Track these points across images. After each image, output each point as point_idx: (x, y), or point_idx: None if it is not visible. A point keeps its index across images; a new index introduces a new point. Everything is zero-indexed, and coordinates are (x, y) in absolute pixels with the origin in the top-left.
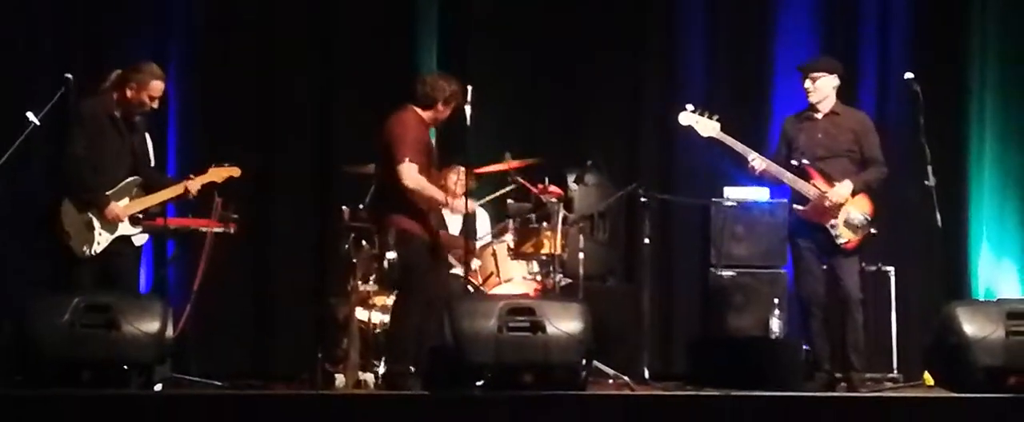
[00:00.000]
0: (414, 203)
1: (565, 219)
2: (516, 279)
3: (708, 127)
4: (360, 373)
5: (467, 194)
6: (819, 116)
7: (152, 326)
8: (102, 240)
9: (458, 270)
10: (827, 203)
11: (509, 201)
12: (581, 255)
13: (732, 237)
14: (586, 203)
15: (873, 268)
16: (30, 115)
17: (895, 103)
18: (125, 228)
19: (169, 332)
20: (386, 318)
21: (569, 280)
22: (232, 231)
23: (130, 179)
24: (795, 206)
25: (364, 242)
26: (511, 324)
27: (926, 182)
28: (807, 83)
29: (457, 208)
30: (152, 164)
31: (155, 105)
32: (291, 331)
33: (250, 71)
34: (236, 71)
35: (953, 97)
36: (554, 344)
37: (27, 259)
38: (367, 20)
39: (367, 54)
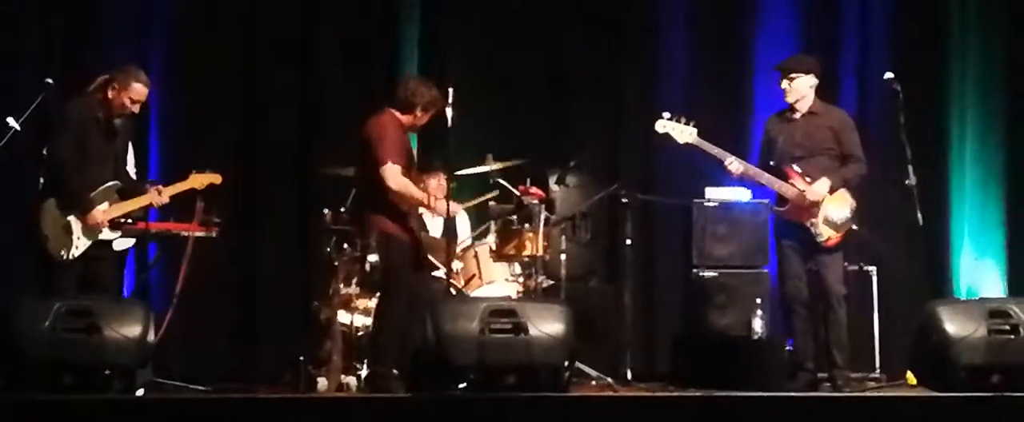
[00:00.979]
0: (395, 205)
1: (547, 220)
2: (498, 281)
3: (684, 133)
4: (343, 376)
5: (449, 196)
6: (798, 116)
7: (134, 330)
8: (80, 245)
9: (440, 272)
10: (805, 202)
11: (491, 203)
12: (563, 256)
13: (714, 237)
14: (568, 204)
15: (855, 268)
16: (11, 120)
17: (875, 103)
18: (105, 233)
19: (151, 336)
20: (369, 321)
21: (551, 281)
22: (214, 235)
23: (110, 183)
24: (775, 207)
25: (346, 245)
26: (493, 326)
27: (907, 181)
28: (784, 83)
29: (439, 210)
30: (132, 168)
31: (135, 109)
32: (273, 334)
33: (231, 75)
34: (217, 75)
35: (933, 96)
36: (537, 345)
37: (8, 265)
38: (349, 24)
39: (349, 57)
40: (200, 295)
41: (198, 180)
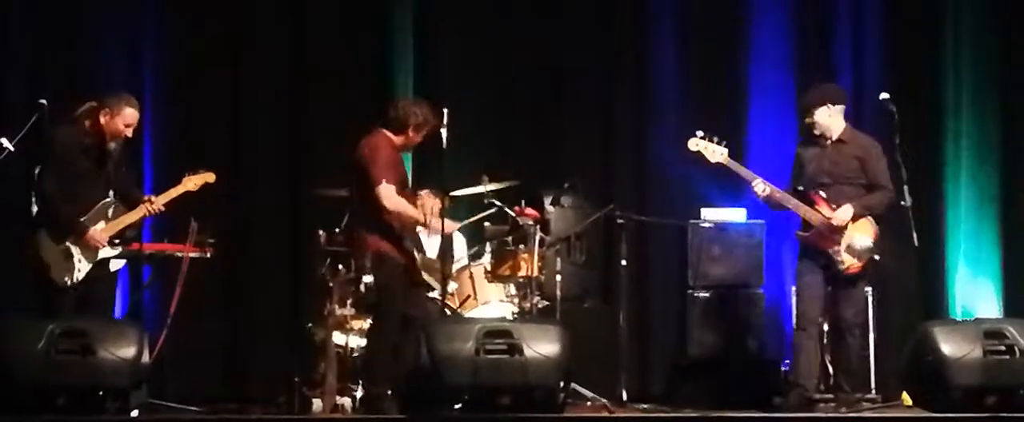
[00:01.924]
0: (390, 226)
1: (542, 241)
2: (493, 301)
3: (716, 153)
4: (337, 397)
5: (443, 216)
6: (828, 143)
7: (128, 351)
8: (82, 268)
9: (435, 293)
10: (829, 228)
11: (486, 224)
12: (558, 277)
13: (709, 258)
14: (563, 225)
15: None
16: (4, 141)
17: (871, 123)
18: (105, 252)
19: (145, 357)
20: (363, 342)
21: (546, 302)
22: (208, 256)
23: (105, 201)
24: (799, 232)
25: (340, 266)
26: (488, 346)
27: (903, 202)
28: (807, 120)
29: (435, 227)
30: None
31: (129, 133)
32: (268, 355)
33: (224, 96)
34: (210, 96)
35: (928, 117)
36: (531, 366)
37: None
38: (343, 44)
39: (343, 77)
40: (194, 316)
41: (192, 182)
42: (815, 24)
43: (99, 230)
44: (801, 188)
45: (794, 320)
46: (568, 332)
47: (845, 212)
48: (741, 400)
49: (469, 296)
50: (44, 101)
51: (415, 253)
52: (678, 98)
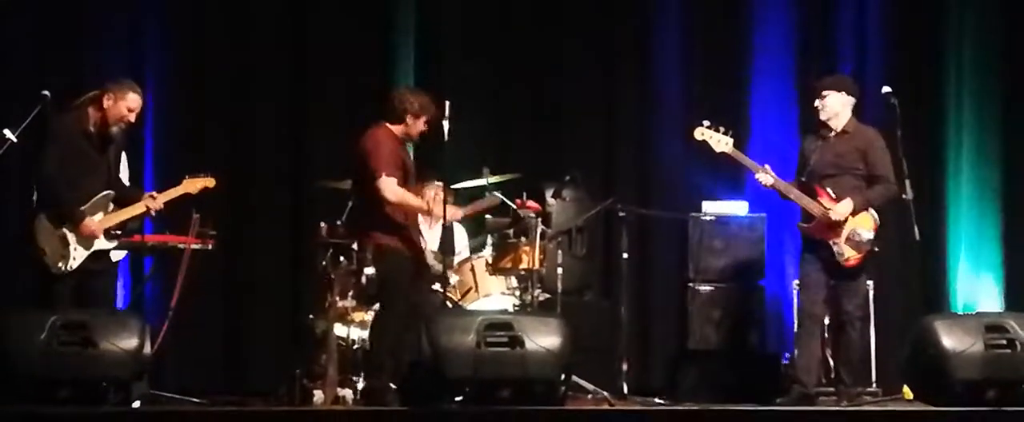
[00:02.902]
0: (392, 218)
1: (543, 234)
2: (495, 294)
3: (721, 142)
4: (339, 389)
5: (445, 208)
6: (832, 134)
7: (129, 343)
8: (77, 256)
9: (436, 285)
10: (829, 221)
11: (488, 217)
12: (559, 270)
13: (710, 251)
14: (564, 218)
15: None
16: (7, 132)
17: (873, 117)
18: (101, 243)
19: (146, 349)
20: (364, 334)
21: (547, 295)
22: (210, 247)
23: (104, 193)
24: (801, 224)
25: (342, 258)
26: (489, 339)
27: (904, 195)
28: (817, 101)
29: (438, 215)
30: (125, 176)
31: (132, 118)
32: (269, 347)
33: (225, 88)
34: (212, 88)
35: (931, 111)
36: (532, 359)
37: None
38: (344, 38)
39: (344, 72)
40: (196, 307)
41: (192, 185)
42: (817, 17)
43: (96, 220)
44: (805, 180)
45: (796, 313)
46: (569, 325)
47: (845, 206)
48: (742, 393)
49: (470, 289)
50: (46, 93)
51: (416, 245)
52: (679, 91)
